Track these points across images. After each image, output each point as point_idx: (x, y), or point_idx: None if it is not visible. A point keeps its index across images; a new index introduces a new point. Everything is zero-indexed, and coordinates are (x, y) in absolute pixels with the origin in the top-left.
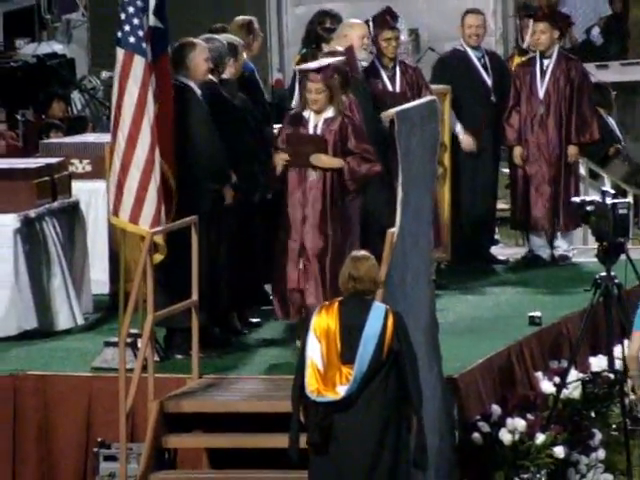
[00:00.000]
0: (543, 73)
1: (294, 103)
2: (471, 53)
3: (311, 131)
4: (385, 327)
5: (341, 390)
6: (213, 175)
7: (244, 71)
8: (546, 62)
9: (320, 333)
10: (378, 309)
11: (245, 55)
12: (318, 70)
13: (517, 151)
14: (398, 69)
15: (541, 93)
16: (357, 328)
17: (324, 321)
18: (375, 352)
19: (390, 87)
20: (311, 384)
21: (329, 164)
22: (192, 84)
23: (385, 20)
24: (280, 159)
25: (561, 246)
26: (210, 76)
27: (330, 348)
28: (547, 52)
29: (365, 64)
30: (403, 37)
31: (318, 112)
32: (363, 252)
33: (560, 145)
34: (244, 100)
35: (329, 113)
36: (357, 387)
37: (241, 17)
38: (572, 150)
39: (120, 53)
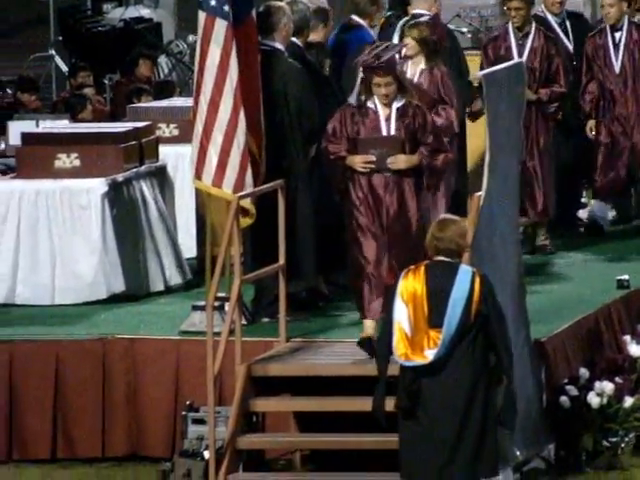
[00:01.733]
0: (616, 47)
1: (352, 97)
2: (551, 19)
3: (383, 124)
4: (472, 290)
5: (429, 354)
6: (309, 135)
7: (366, 42)
8: (617, 35)
9: (407, 297)
10: (465, 272)
11: (366, 24)
12: (384, 66)
13: (590, 124)
14: (531, 37)
15: (617, 68)
16: (444, 292)
17: (411, 285)
18: (463, 315)
19: (516, 53)
20: (399, 348)
21: (408, 163)
22: (281, 47)
23: None
24: (361, 163)
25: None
26: (294, 39)
27: (417, 312)
28: (617, 24)
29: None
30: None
31: (388, 104)
32: (451, 216)
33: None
34: (335, 66)
35: (399, 103)
36: (445, 351)
37: None
38: None
39: (202, 16)
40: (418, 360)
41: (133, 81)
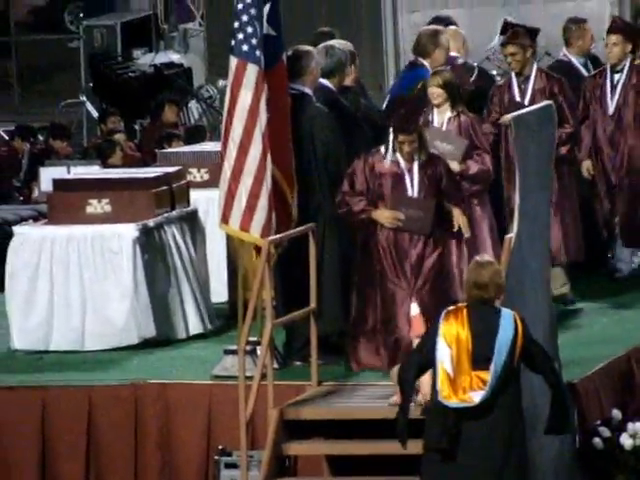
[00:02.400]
0: (613, 88)
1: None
2: (575, 62)
3: (406, 177)
4: (516, 333)
5: (475, 396)
6: (336, 180)
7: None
8: (617, 76)
9: (450, 339)
10: (507, 315)
11: (427, 63)
12: (406, 128)
13: (584, 165)
14: (532, 80)
15: (611, 109)
16: (489, 334)
17: (453, 328)
18: (508, 358)
19: (518, 97)
20: (443, 390)
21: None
22: (309, 91)
23: (508, 36)
24: (391, 219)
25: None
26: (327, 83)
27: (461, 354)
28: (618, 65)
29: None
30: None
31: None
32: (487, 257)
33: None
34: (367, 107)
35: (421, 158)
36: (492, 394)
37: (432, 27)
38: None
39: (233, 61)
40: (462, 402)
41: (159, 126)
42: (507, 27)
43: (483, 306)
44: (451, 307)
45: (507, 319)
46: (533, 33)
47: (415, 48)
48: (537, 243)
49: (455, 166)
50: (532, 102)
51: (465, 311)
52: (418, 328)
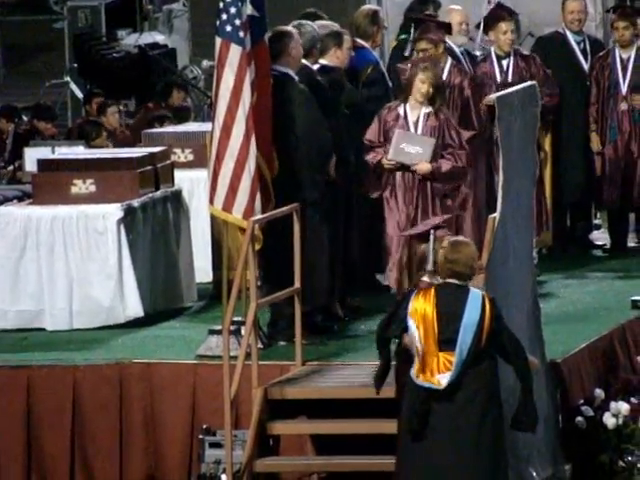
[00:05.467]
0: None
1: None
2: (571, 37)
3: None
4: (483, 315)
5: (442, 378)
6: (319, 164)
7: (370, 63)
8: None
9: (418, 318)
10: (475, 297)
11: (368, 45)
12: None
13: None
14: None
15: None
16: (455, 315)
17: (421, 306)
18: (474, 341)
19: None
20: (416, 363)
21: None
22: (291, 72)
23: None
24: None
25: None
26: (304, 61)
27: (427, 334)
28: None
29: (462, 49)
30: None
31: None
32: (463, 238)
33: None
34: (352, 91)
35: (427, 109)
36: (457, 376)
37: (367, 7)
38: None
39: (218, 42)
40: (431, 383)
41: (164, 108)
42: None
43: (452, 286)
44: (423, 286)
45: (475, 300)
46: (445, 28)
47: (357, 30)
48: (521, 222)
49: (425, 167)
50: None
51: (433, 291)
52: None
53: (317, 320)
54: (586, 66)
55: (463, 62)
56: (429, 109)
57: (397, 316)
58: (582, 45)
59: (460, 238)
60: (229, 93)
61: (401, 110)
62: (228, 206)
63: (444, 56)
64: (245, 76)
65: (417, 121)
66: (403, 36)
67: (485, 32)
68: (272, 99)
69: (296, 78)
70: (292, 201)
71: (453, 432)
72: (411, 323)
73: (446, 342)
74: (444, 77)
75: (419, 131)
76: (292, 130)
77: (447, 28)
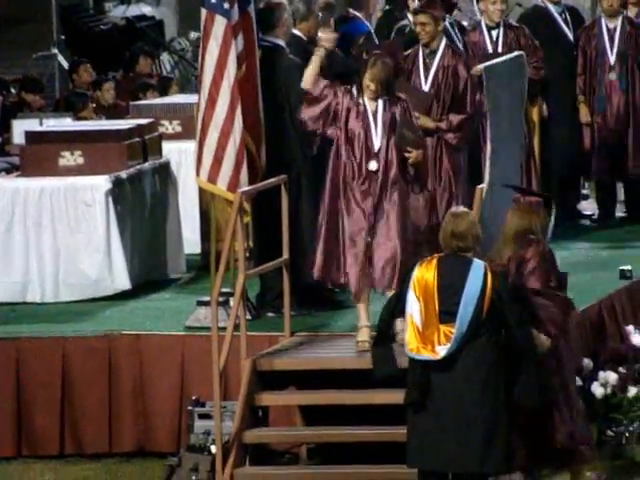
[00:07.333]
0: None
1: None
2: (552, 8)
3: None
4: (485, 286)
5: (440, 350)
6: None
7: (362, 33)
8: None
9: (419, 290)
10: (478, 268)
11: (362, 15)
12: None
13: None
14: (438, 55)
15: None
16: (456, 287)
17: (423, 277)
18: (475, 312)
19: (422, 72)
20: (410, 342)
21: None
22: (282, 43)
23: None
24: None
25: None
26: (296, 31)
27: (429, 306)
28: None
29: (452, 19)
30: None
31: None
32: (462, 208)
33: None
34: (341, 58)
35: (383, 98)
36: (457, 348)
37: None
38: None
39: (203, 13)
40: (429, 355)
41: (133, 78)
42: None
43: (455, 257)
44: (427, 257)
45: (477, 271)
46: (449, 5)
47: (350, 0)
48: (509, 193)
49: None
50: (435, 79)
51: (435, 262)
52: None
53: (326, 293)
54: (570, 35)
55: (453, 35)
56: (384, 97)
57: (402, 294)
58: (563, 15)
59: (460, 209)
60: (214, 64)
61: (360, 100)
62: (213, 177)
63: (440, 35)
64: (230, 48)
65: (376, 112)
66: (388, 7)
67: (476, 1)
68: (263, 70)
69: (287, 49)
70: (285, 172)
71: (454, 402)
72: (412, 296)
73: (446, 314)
74: (437, 59)
75: (379, 122)
76: (285, 101)
77: (451, 7)
